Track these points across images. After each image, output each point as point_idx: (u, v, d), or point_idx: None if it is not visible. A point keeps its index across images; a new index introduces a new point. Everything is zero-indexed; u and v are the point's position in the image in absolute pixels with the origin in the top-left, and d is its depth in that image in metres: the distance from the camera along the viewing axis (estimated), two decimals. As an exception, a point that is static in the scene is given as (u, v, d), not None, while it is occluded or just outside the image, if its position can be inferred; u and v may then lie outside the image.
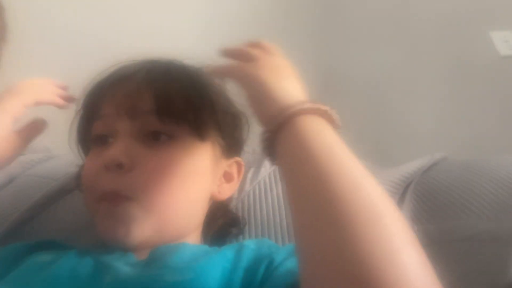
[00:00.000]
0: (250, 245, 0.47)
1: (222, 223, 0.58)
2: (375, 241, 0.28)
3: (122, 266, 0.43)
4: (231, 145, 0.55)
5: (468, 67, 1.21)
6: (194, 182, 0.50)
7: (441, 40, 1.25)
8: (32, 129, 0.52)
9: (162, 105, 0.48)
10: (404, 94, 1.23)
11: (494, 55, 1.21)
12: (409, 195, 0.63)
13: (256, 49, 0.47)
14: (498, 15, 1.22)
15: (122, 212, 0.45)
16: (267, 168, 0.68)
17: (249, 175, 0.67)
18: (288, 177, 0.36)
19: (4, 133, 0.47)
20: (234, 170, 0.56)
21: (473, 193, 0.56)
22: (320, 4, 1.37)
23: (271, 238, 0.57)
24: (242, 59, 0.46)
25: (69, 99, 0.55)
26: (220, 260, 0.44)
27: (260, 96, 0.41)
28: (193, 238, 0.52)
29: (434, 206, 0.58)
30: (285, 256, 0.43)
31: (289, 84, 0.42)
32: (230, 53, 0.48)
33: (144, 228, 0.46)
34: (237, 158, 0.58)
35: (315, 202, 0.32)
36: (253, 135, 0.55)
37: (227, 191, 0.55)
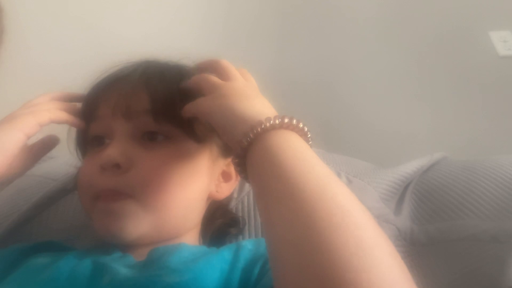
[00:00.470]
0: (247, 245, 0.47)
1: (221, 223, 0.58)
2: (345, 242, 0.28)
3: (121, 267, 0.43)
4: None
5: (466, 67, 1.21)
6: (191, 181, 0.50)
7: (440, 40, 1.25)
8: (45, 145, 0.52)
9: (157, 105, 0.48)
10: (404, 94, 1.23)
11: (493, 55, 1.21)
12: (409, 195, 0.63)
13: (214, 76, 0.47)
14: (497, 15, 1.23)
15: (119, 209, 0.45)
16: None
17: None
18: (257, 190, 0.37)
19: (15, 151, 0.47)
20: (232, 169, 0.56)
21: (473, 193, 0.56)
22: (321, 4, 1.38)
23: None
24: (203, 91, 0.46)
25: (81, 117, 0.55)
26: (218, 261, 0.44)
27: (229, 123, 0.41)
28: (190, 237, 0.52)
29: (434, 206, 0.58)
30: None
31: (254, 103, 0.42)
32: (192, 84, 0.48)
33: (141, 224, 0.46)
34: None
35: (284, 209, 0.32)
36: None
37: (225, 190, 0.55)
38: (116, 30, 1.11)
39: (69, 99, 0.54)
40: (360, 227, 0.30)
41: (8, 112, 0.50)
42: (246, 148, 0.38)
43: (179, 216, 0.49)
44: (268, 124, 0.37)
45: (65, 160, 0.73)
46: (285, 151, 0.36)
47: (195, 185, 0.50)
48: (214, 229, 0.57)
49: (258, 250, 0.46)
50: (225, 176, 0.56)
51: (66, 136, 0.56)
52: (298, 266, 0.29)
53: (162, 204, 0.47)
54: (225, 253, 0.45)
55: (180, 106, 0.48)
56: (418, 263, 0.52)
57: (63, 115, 0.51)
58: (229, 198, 0.60)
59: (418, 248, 0.55)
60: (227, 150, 0.54)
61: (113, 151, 0.46)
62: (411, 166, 0.66)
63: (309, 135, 0.39)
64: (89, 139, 0.52)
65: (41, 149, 0.51)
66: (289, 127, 0.38)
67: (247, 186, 0.65)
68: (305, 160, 0.35)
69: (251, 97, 0.44)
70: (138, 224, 0.46)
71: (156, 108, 0.48)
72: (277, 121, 0.37)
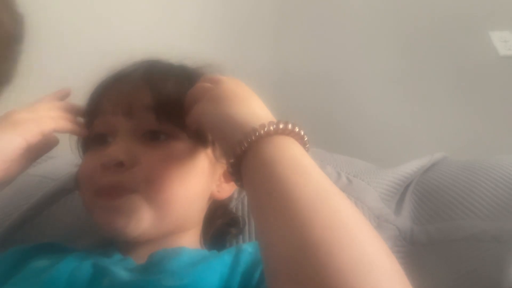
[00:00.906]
0: (248, 248, 0.47)
1: (221, 223, 0.58)
2: (346, 260, 0.27)
3: (120, 270, 0.43)
4: None
5: (467, 67, 1.21)
6: (193, 180, 0.50)
7: (440, 40, 1.25)
8: (43, 146, 0.51)
9: (160, 103, 0.48)
10: (403, 94, 1.23)
11: (493, 55, 1.21)
12: (409, 195, 0.63)
13: (206, 83, 0.47)
14: (497, 15, 1.22)
15: (124, 204, 0.45)
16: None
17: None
18: (252, 201, 0.36)
19: (14, 156, 0.47)
20: None
21: (473, 193, 0.56)
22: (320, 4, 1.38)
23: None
24: (197, 98, 0.45)
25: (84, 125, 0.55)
26: (218, 265, 0.44)
27: (222, 129, 0.40)
28: (191, 236, 0.52)
29: (434, 206, 0.58)
30: None
31: (248, 104, 0.41)
32: (188, 96, 0.48)
33: (144, 219, 0.46)
34: None
35: (277, 223, 0.31)
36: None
37: (226, 190, 0.55)
38: (116, 30, 1.11)
39: (71, 110, 0.54)
40: (360, 242, 0.29)
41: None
42: (240, 157, 0.37)
43: (181, 213, 0.49)
44: (262, 132, 0.36)
45: (65, 159, 0.73)
46: (280, 161, 0.34)
47: (197, 184, 0.50)
48: (214, 229, 0.57)
49: (259, 254, 0.46)
50: (227, 177, 0.56)
51: (67, 135, 0.56)
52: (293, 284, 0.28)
53: (165, 200, 0.47)
54: (225, 257, 0.45)
55: (182, 106, 0.48)
56: (418, 263, 0.52)
57: (67, 125, 0.51)
58: (229, 198, 0.60)
59: (418, 248, 0.56)
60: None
61: (116, 149, 0.46)
62: (411, 166, 0.66)
63: (306, 139, 0.38)
64: (91, 137, 0.52)
65: (39, 149, 0.51)
66: (285, 132, 0.37)
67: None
68: (300, 170, 0.34)
69: (244, 98, 0.43)
70: (142, 219, 0.46)
71: (158, 107, 0.48)
72: (271, 128, 0.36)
